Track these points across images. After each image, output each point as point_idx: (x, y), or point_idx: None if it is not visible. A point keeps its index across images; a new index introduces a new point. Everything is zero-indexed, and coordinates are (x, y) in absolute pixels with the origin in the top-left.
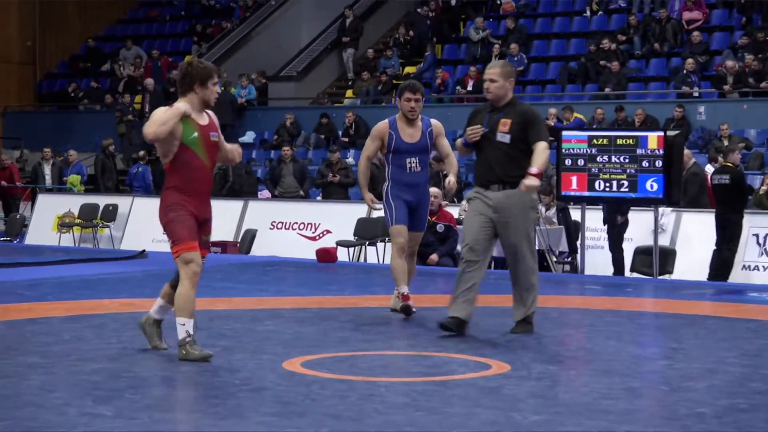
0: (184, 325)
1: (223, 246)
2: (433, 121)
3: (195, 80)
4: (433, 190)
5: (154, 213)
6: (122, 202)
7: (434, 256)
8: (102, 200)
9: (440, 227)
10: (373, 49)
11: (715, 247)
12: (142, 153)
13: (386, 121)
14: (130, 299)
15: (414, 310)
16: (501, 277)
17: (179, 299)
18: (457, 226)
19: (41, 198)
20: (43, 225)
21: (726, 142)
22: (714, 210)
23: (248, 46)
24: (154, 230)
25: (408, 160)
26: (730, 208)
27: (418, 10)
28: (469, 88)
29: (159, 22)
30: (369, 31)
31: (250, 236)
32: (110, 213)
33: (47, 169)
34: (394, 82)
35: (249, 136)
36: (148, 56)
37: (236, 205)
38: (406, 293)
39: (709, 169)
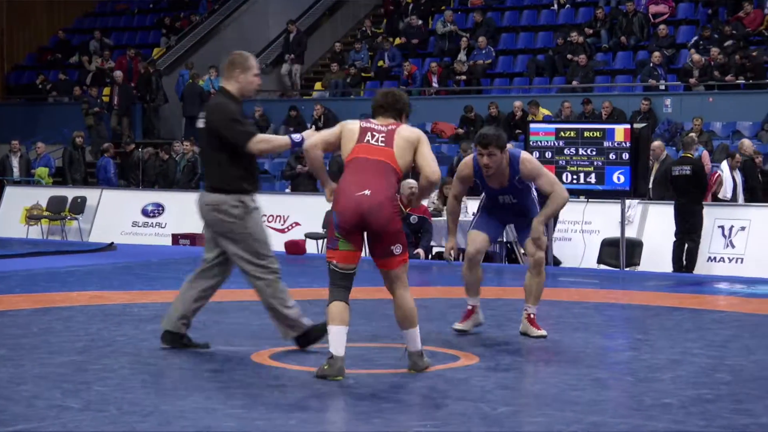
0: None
1: (192, 238)
2: (525, 155)
3: None
4: (410, 181)
5: (123, 205)
6: (90, 194)
7: (420, 250)
8: (70, 193)
9: (413, 218)
10: (342, 42)
11: (675, 239)
12: (106, 145)
13: (470, 161)
14: (98, 291)
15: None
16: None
17: (410, 310)
18: (432, 219)
19: (9, 190)
20: (10, 217)
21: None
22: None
23: (217, 38)
24: (123, 223)
25: (500, 198)
26: (691, 199)
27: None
28: (435, 83)
29: (127, 14)
30: (337, 23)
31: None
32: (78, 205)
33: (15, 162)
34: (363, 75)
35: None
36: (122, 53)
37: None
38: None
39: None
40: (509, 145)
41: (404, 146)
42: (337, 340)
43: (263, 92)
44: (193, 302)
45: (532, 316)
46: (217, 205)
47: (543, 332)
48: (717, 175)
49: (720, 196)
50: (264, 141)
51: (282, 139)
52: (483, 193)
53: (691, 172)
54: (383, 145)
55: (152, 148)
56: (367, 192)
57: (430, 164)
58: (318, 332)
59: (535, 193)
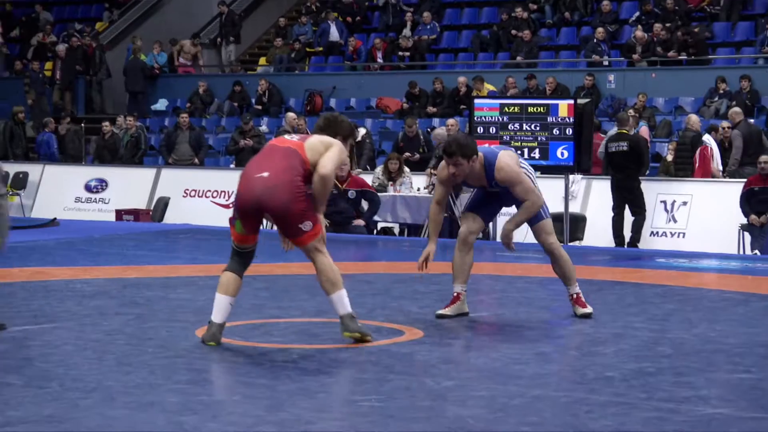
0: (346, 296)
1: (136, 214)
2: (501, 161)
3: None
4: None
5: (65, 181)
6: (33, 169)
7: (361, 221)
8: (12, 168)
9: (351, 193)
10: (286, 17)
11: (612, 213)
12: (46, 120)
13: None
14: (40, 267)
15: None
16: (414, 245)
17: (332, 272)
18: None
19: None
20: None
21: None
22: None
23: (160, 13)
24: (65, 198)
25: (489, 190)
26: (628, 174)
27: None
28: (379, 59)
29: None
30: None
31: (163, 204)
32: (20, 181)
33: None
34: (308, 50)
35: (161, 104)
36: (65, 27)
37: (149, 172)
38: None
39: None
40: (496, 148)
41: (316, 144)
42: (217, 307)
43: (207, 67)
44: None
45: (575, 295)
46: None
47: (587, 309)
48: (709, 149)
49: (714, 171)
50: None
51: None
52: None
53: (628, 148)
54: (296, 139)
55: (73, 124)
56: (265, 174)
57: (325, 161)
58: None
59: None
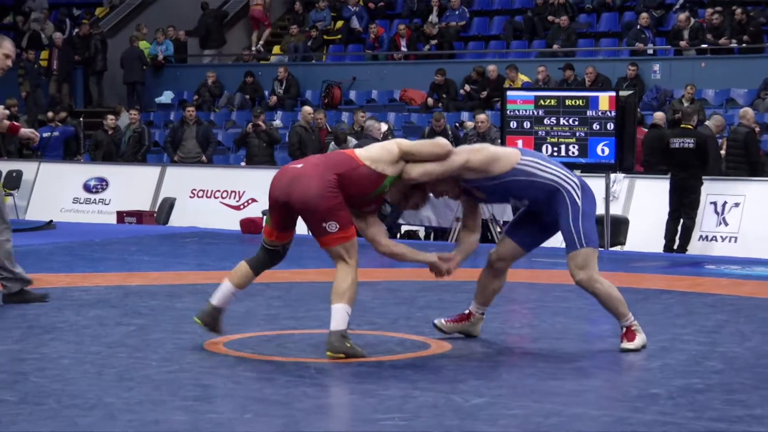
0: (349, 314)
1: (139, 216)
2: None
3: None
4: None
5: (63, 180)
6: (27, 168)
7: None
8: (4, 166)
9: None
10: (302, 1)
11: (668, 217)
12: (51, 114)
13: None
14: (37, 274)
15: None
16: (441, 249)
17: (347, 285)
18: None
19: None
20: None
21: (686, 104)
22: (670, 176)
23: None
24: (63, 199)
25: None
26: (691, 173)
27: None
28: (403, 47)
29: None
30: None
31: (168, 205)
32: (14, 180)
33: None
34: (325, 37)
35: (167, 96)
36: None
37: (153, 171)
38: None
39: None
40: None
41: (375, 145)
42: (219, 289)
43: (218, 56)
44: None
45: (623, 330)
46: None
47: (629, 344)
48: None
49: None
50: None
51: None
52: None
53: (695, 145)
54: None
55: (71, 119)
56: (299, 165)
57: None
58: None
59: (543, 182)
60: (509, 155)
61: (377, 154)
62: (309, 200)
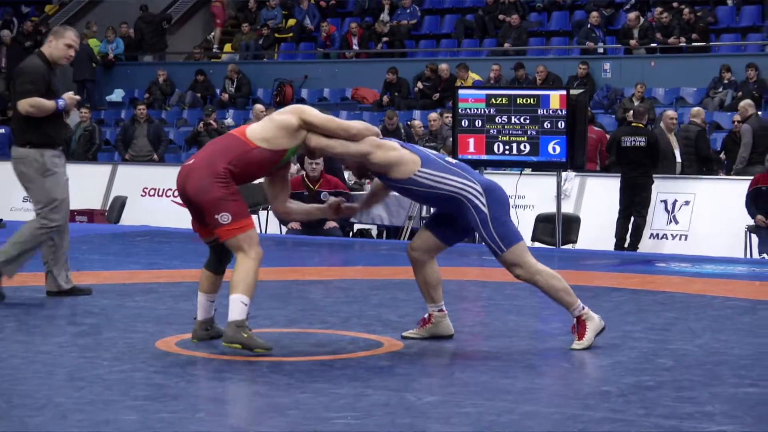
0: (246, 305)
1: (90, 214)
2: None
3: None
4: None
5: (12, 178)
6: None
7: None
8: None
9: (324, 195)
10: None
11: (619, 215)
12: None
13: None
14: None
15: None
16: (394, 248)
17: (246, 276)
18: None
19: None
20: None
21: (636, 103)
22: (621, 174)
23: None
24: (12, 197)
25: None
26: (642, 172)
27: None
28: (354, 45)
29: None
30: None
31: (120, 204)
32: None
33: None
34: (276, 36)
35: (117, 95)
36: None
37: (104, 169)
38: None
39: None
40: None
41: (265, 120)
42: (197, 305)
43: (169, 54)
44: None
45: (574, 320)
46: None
47: (577, 345)
48: None
49: None
50: (32, 104)
51: (50, 104)
52: None
53: (646, 144)
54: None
55: None
56: (191, 160)
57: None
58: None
59: (442, 193)
60: (408, 164)
61: (271, 133)
62: (197, 193)
